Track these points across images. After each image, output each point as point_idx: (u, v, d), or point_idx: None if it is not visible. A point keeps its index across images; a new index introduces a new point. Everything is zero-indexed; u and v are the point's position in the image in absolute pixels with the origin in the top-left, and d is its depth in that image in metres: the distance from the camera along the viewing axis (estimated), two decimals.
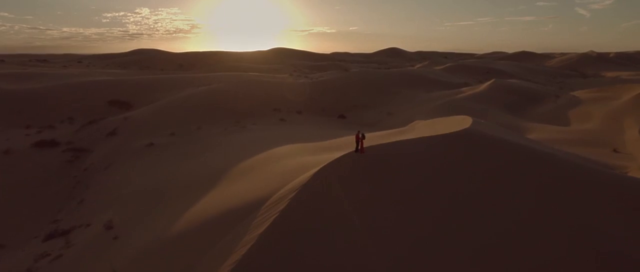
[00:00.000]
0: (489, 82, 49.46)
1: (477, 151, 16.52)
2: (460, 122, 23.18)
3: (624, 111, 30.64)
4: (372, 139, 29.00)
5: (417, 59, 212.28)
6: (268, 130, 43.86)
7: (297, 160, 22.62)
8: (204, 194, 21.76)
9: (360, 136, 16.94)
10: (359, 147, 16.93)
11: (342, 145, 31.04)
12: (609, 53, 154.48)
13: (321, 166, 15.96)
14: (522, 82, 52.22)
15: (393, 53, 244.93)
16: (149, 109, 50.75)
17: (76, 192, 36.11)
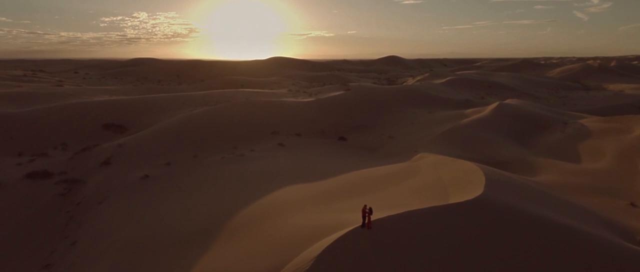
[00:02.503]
0: (493, 106, 48.22)
1: (494, 229, 15.28)
2: (470, 177, 21.89)
3: (637, 149, 29.43)
4: (376, 186, 27.71)
5: (416, 67, 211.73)
6: (267, 159, 42.55)
7: (300, 217, 21.31)
8: (197, 258, 20.45)
9: (366, 210, 15.71)
10: (366, 222, 15.69)
11: (347, 186, 29.75)
12: (611, 61, 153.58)
13: (325, 247, 14.69)
14: (527, 105, 50.99)
15: (392, 61, 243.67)
16: (143, 134, 49.43)
17: (69, 231, 34.74)
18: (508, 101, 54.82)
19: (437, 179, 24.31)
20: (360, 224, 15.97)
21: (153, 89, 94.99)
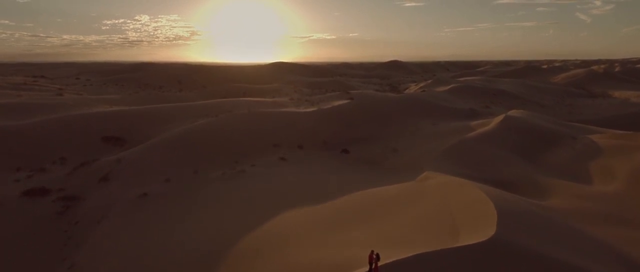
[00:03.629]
0: (499, 119, 47.27)
1: None
2: (480, 209, 20.94)
3: None
4: (381, 210, 26.66)
5: (418, 71, 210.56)
6: (268, 176, 41.67)
7: (302, 252, 20.39)
8: None
9: (374, 256, 14.85)
10: (373, 269, 14.83)
11: (351, 211, 28.79)
12: (614, 64, 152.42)
13: None
14: (534, 118, 50.00)
15: (394, 66, 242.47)
16: (143, 148, 48.62)
17: (67, 252, 33.97)
18: (514, 112, 53.84)
19: (444, 207, 23.38)
20: (368, 269, 15.16)
21: (154, 97, 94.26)
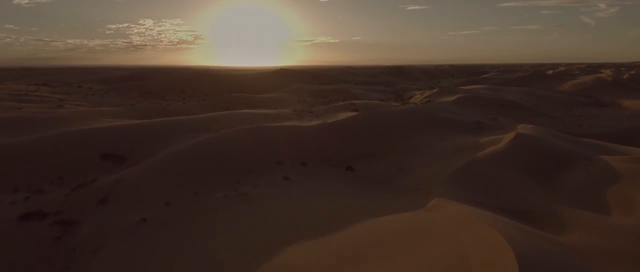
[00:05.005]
0: (510, 137, 45.83)
1: None
2: (499, 258, 19.61)
3: None
4: (390, 249, 25.26)
5: (422, 77, 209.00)
6: (272, 200, 40.30)
7: None
8: None
9: None
10: None
11: (358, 248, 27.46)
12: (620, 67, 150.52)
13: None
14: (546, 135, 48.49)
15: (398, 72, 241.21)
16: (142, 168, 47.45)
17: None
18: (524, 129, 52.36)
19: (457, 250, 21.98)
20: None
21: (155, 108, 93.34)
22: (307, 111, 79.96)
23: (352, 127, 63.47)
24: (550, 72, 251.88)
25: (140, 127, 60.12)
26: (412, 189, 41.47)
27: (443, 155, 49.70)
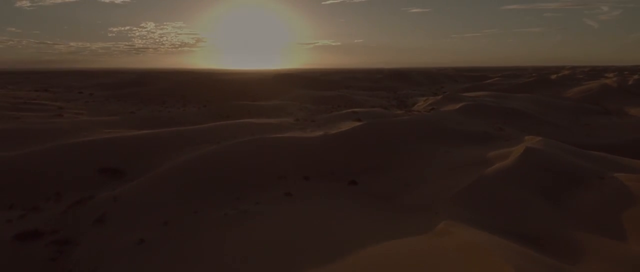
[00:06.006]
0: (519, 153, 44.54)
1: None
2: None
3: None
4: None
5: (425, 82, 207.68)
6: (273, 219, 39.05)
7: None
8: None
9: None
10: None
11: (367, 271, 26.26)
12: (626, 75, 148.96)
13: None
14: (556, 150, 47.17)
15: (400, 77, 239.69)
16: (140, 184, 46.33)
17: None
18: (533, 142, 51.09)
19: None
20: None
21: (155, 116, 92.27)
22: (309, 120, 78.77)
23: (355, 138, 62.25)
24: (554, 76, 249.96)
25: (138, 139, 59.02)
26: (419, 207, 40.20)
27: (449, 169, 48.45)
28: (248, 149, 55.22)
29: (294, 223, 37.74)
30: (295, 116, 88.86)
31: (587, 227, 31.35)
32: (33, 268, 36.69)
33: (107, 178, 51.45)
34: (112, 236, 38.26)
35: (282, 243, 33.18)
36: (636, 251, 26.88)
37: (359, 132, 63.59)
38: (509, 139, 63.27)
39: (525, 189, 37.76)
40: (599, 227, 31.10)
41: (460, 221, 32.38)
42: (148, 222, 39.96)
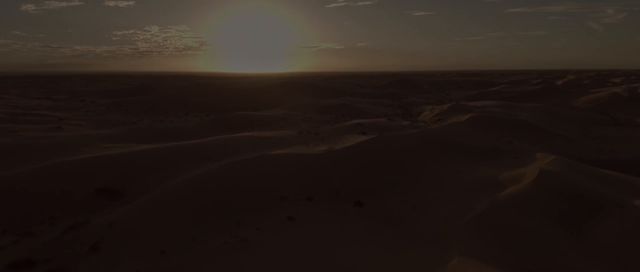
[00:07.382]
0: (533, 177, 42.58)
1: None
2: None
3: None
4: None
5: (430, 89, 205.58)
6: (275, 248, 37.21)
7: None
8: None
9: None
10: None
11: None
12: (635, 86, 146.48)
13: None
14: (571, 172, 45.19)
15: (405, 84, 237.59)
16: (137, 208, 44.66)
17: None
18: (546, 161, 49.14)
19: None
20: None
21: (157, 128, 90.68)
22: (313, 133, 76.95)
23: (361, 155, 60.39)
24: (559, 82, 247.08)
25: (137, 156, 57.37)
26: (429, 236, 38.26)
27: (460, 191, 46.56)
28: (249, 169, 53.46)
29: (295, 253, 35.91)
30: (298, 127, 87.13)
31: (607, 264, 29.39)
32: None
33: (103, 199, 49.75)
34: (107, 266, 36.51)
35: None
36: None
37: (364, 148, 61.73)
38: (519, 155, 61.27)
39: (540, 219, 35.78)
40: (620, 266, 29.17)
41: (473, 257, 30.47)
42: (144, 250, 38.20)
